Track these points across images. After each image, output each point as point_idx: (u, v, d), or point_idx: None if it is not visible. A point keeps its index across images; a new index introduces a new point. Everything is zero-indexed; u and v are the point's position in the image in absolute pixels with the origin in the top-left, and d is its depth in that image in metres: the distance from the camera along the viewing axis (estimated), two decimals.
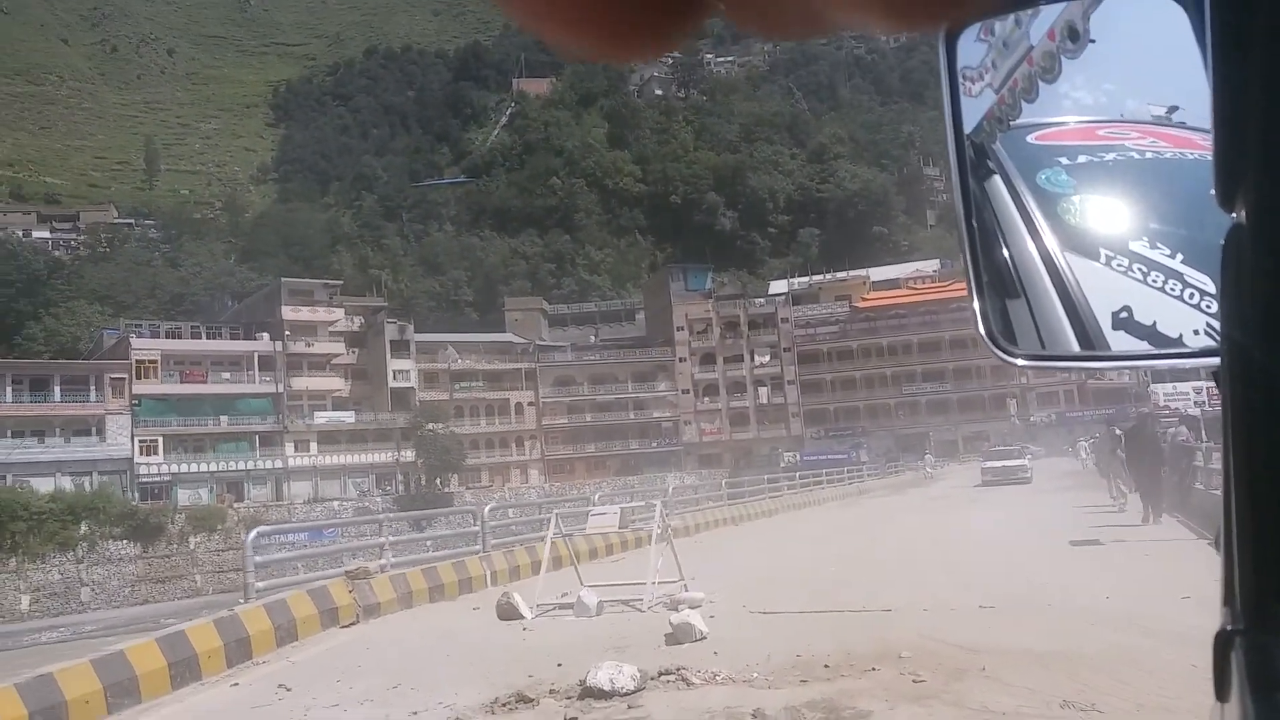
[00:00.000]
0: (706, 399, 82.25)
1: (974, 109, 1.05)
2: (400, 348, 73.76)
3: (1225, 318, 0.57)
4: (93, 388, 60.28)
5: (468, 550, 14.62)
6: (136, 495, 59.95)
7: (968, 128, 1.05)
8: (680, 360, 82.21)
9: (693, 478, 77.86)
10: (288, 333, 68.71)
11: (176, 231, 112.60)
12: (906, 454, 70.69)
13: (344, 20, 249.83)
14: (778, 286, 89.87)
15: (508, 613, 10.24)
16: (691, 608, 9.33)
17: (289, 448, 67.35)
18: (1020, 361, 1.05)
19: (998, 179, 1.07)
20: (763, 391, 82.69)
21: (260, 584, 10.61)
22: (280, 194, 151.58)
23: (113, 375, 60.86)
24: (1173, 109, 0.94)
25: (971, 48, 1.01)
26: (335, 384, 71.30)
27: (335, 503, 66.28)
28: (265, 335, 68.76)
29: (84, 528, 54.73)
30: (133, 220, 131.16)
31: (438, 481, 70.29)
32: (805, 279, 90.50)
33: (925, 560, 13.75)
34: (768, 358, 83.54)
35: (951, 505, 27.68)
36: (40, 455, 57.21)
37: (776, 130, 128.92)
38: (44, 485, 56.18)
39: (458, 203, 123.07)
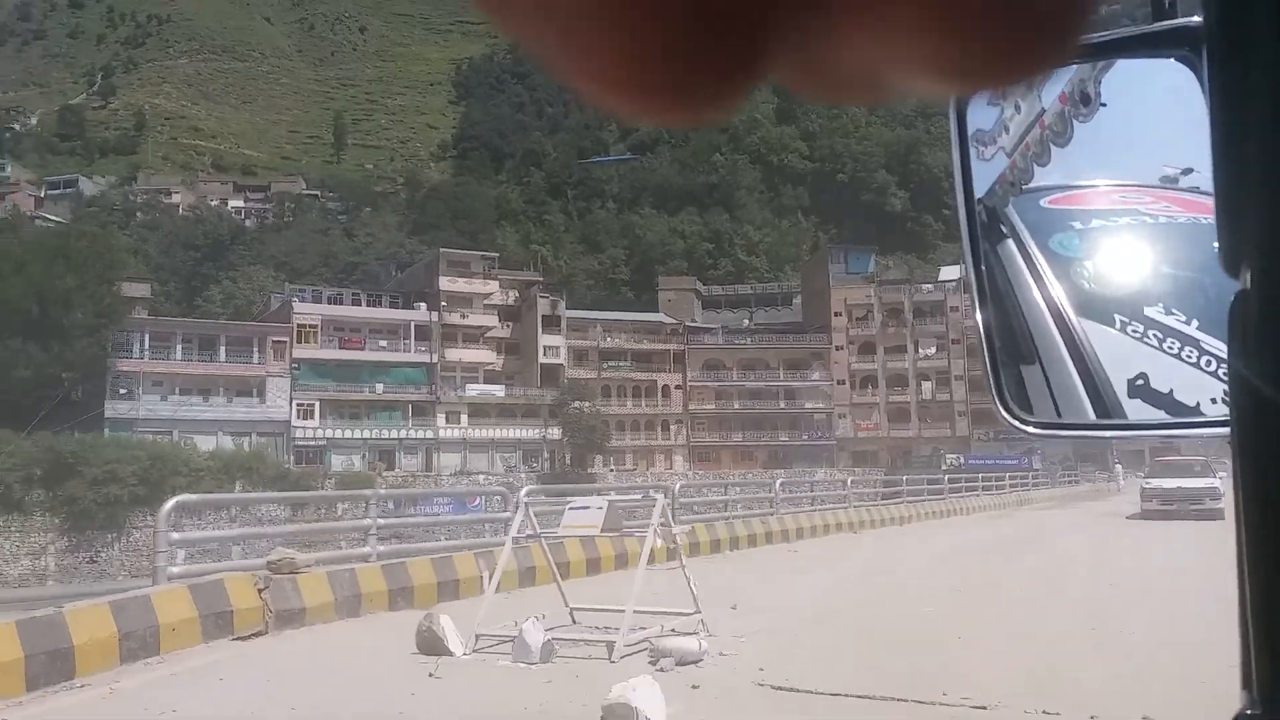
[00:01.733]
0: (864, 391, 78.12)
1: (986, 172, 1.05)
2: (552, 323, 73.43)
3: (1233, 386, 0.56)
4: (256, 350, 62.60)
5: (495, 541, 12.45)
6: (291, 458, 61.96)
7: (980, 191, 1.04)
8: (837, 348, 78.35)
9: (844, 475, 74.24)
10: (444, 303, 69.46)
11: (355, 204, 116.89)
12: (1086, 464, 64.88)
13: None
14: (949, 272, 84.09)
15: (430, 645, 7.63)
16: (679, 664, 6.86)
17: (440, 418, 68.16)
18: (1033, 430, 1.04)
19: (1010, 243, 1.07)
20: (926, 386, 77.79)
21: (175, 569, 8.56)
22: (456, 170, 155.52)
23: (275, 338, 62.99)
24: (1186, 171, 0.93)
25: (983, 110, 1.02)
26: (487, 357, 71.70)
27: (481, 476, 66.65)
28: (423, 305, 69.75)
29: (239, 487, 56.92)
30: (318, 192, 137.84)
31: (580, 461, 69.68)
32: None
33: (1070, 602, 10.69)
34: (934, 349, 78.48)
35: (1124, 526, 23.78)
36: (204, 413, 59.85)
37: None
38: (206, 443, 58.79)
39: (620, 180, 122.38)
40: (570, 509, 8.58)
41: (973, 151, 1.01)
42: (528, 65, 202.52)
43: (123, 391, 57.82)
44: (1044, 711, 5.73)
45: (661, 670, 6.65)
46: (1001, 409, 1.02)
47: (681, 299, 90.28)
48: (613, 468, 72.33)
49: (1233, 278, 0.54)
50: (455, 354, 69.73)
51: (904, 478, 35.67)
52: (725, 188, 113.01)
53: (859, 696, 6.12)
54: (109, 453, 51.16)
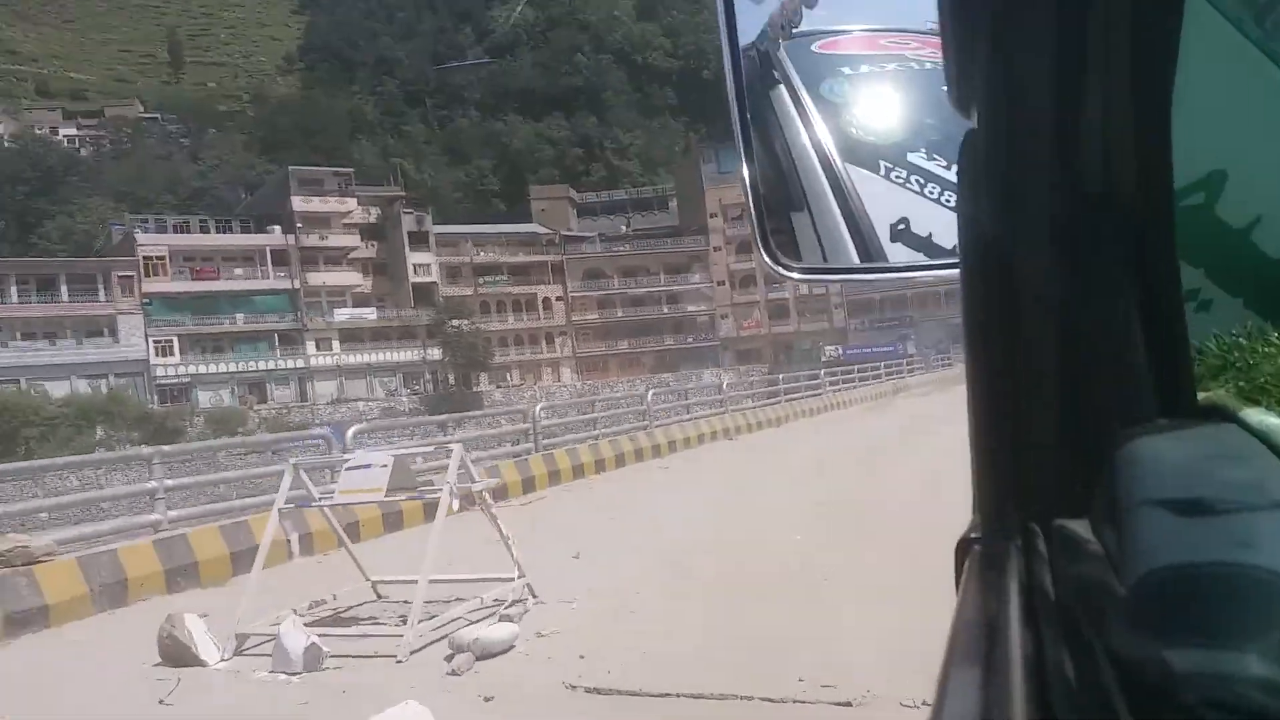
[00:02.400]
0: (745, 290, 78.31)
1: (757, 16, 1.02)
2: (419, 240, 70.53)
3: (962, 223, 0.58)
4: (101, 287, 58.14)
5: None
6: (155, 398, 58.38)
7: (751, 35, 1.01)
8: (715, 249, 78.03)
9: (730, 375, 74.82)
10: (300, 225, 65.68)
11: (198, 125, 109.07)
12: (959, 345, 66.74)
13: None
14: None
15: (176, 654, 5.81)
16: (480, 657, 5.36)
17: (310, 346, 65.20)
18: (796, 275, 1.04)
19: (782, 89, 1.04)
20: None
21: None
22: (305, 84, 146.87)
23: (120, 274, 58.58)
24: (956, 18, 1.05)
25: None
26: (353, 279, 68.51)
27: (360, 403, 64.31)
28: (277, 229, 65.84)
29: (100, 432, 53.29)
30: (157, 115, 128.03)
31: (464, 380, 68.03)
32: None
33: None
34: None
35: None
36: (53, 358, 55.52)
37: None
38: (59, 390, 54.66)
39: (481, 85, 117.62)
40: (347, 469, 6.82)
41: None
42: None
43: None
44: (925, 703, 3.66)
45: (455, 674, 5.24)
46: (765, 255, 1.01)
47: (556, 208, 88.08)
48: (499, 384, 70.98)
49: (965, 117, 0.55)
50: (318, 278, 66.35)
51: (780, 376, 35.47)
52: (591, 90, 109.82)
53: (691, 696, 4.64)
54: None
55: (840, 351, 70.81)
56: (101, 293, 57.96)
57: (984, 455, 0.58)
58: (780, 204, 1.01)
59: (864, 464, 14.05)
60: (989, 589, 0.53)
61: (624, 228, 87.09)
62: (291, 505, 6.97)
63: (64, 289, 56.85)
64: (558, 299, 74.95)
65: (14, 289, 55.41)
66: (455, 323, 66.42)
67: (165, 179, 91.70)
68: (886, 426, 21.58)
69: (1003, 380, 0.57)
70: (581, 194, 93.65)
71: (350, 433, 12.55)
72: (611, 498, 12.88)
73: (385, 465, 6.56)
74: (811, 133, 1.02)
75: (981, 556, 0.58)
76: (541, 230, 78.82)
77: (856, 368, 41.52)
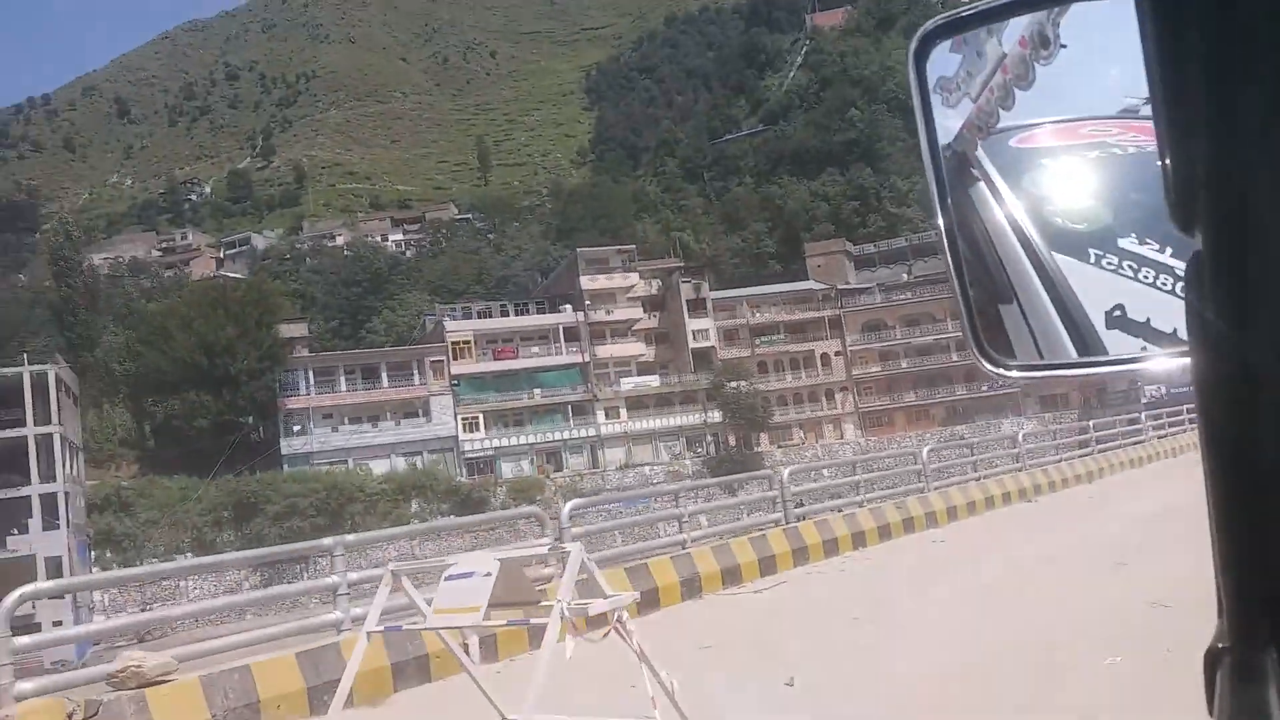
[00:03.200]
0: None
1: (953, 119, 1.05)
2: (697, 306, 72.07)
3: (1194, 342, 0.56)
4: (416, 372, 64.30)
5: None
6: (464, 471, 63.29)
7: (948, 137, 1.05)
8: None
9: (1033, 423, 69.24)
10: (588, 302, 69.34)
11: (501, 220, 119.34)
12: None
13: None
14: None
15: None
16: None
17: (599, 415, 68.11)
18: (1015, 374, 1.03)
19: (981, 185, 1.07)
20: None
21: (29, 685, 6.18)
22: (595, 172, 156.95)
23: (432, 359, 64.55)
24: (1148, 100, 0.87)
25: (945, 59, 1.04)
26: (637, 349, 71.10)
27: (646, 467, 66.10)
28: (568, 307, 69.90)
29: (414, 505, 58.52)
30: (469, 215, 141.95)
31: (744, 441, 68.01)
32: None
33: None
34: None
35: None
36: (375, 439, 61.93)
37: None
38: (380, 466, 60.82)
39: (755, 154, 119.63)
40: (446, 579, 5.28)
41: (937, 99, 1.01)
42: (653, 58, 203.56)
43: (296, 428, 60.54)
44: None
45: None
46: (980, 357, 1.01)
47: (831, 263, 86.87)
48: (780, 444, 70.30)
49: (1188, 236, 0.54)
50: (606, 350, 69.48)
51: (1090, 423, 31.19)
52: (865, 142, 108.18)
53: None
54: (287, 488, 53.60)
55: (1164, 391, 63.29)
56: (416, 377, 64.15)
57: (1228, 553, 0.54)
58: (988, 299, 1.02)
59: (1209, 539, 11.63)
60: (1246, 707, 0.50)
61: (905, 276, 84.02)
62: (380, 630, 5.81)
63: (384, 376, 63.52)
64: (836, 354, 73.37)
65: (343, 378, 62.69)
66: (733, 384, 66.76)
67: (473, 271, 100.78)
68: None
69: (1244, 474, 0.53)
70: (858, 245, 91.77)
71: (566, 510, 10.85)
72: (866, 584, 10.83)
73: (489, 574, 5.00)
74: (1015, 225, 1.01)
75: (1234, 668, 0.54)
76: (817, 286, 77.91)
77: (1186, 408, 36.66)
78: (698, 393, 69.46)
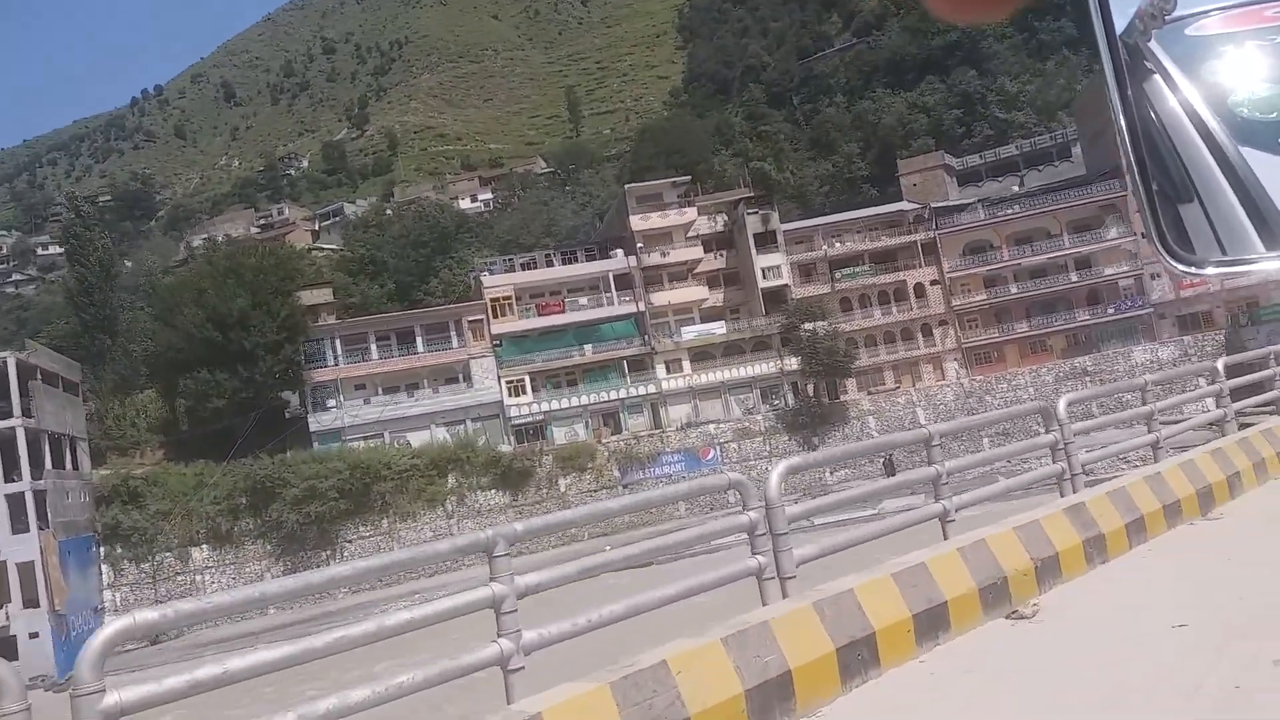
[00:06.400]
0: None
1: (1124, 8, 0.98)
2: (766, 240, 63.57)
3: None
4: (453, 334, 58.59)
5: None
6: (512, 439, 57.57)
7: (1119, 29, 0.98)
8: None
9: (1169, 348, 58.30)
10: (640, 244, 62.00)
11: (575, 169, 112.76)
12: None
13: None
14: None
15: None
16: None
17: (660, 370, 60.99)
18: (1210, 270, 1.00)
19: (1157, 78, 0.99)
20: None
21: None
22: (686, 111, 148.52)
23: (470, 318, 58.80)
24: None
25: None
26: (699, 293, 63.38)
27: (711, 425, 58.80)
28: (619, 252, 62.78)
29: (451, 480, 53.12)
30: (555, 169, 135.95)
31: (827, 390, 59.70)
32: None
33: None
34: None
35: None
36: (413, 409, 56.76)
37: None
38: (420, 439, 55.63)
39: (847, 69, 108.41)
40: None
41: None
42: None
43: (328, 403, 55.84)
44: None
45: None
46: (1164, 251, 0.97)
47: (930, 180, 76.59)
48: (870, 390, 61.66)
49: None
50: (663, 297, 62.10)
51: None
52: (968, 43, 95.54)
53: None
54: (306, 469, 48.98)
55: None
56: (454, 339, 58.46)
57: None
58: (1167, 199, 0.97)
59: None
60: None
61: (1015, 188, 73.04)
62: None
63: (419, 340, 58.04)
64: (933, 282, 63.65)
65: (374, 345, 57.51)
66: (806, 326, 58.37)
67: (543, 224, 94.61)
68: None
69: None
70: (962, 159, 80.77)
71: (774, 479, 6.04)
72: None
73: None
74: (1196, 119, 0.96)
75: None
76: (908, 207, 68.03)
77: None
78: (771, 338, 61.39)
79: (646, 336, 61.16)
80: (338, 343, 57.20)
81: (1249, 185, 0.93)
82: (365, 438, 55.24)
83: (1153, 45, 0.98)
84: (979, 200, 68.34)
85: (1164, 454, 9.20)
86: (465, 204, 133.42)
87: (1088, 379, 56.65)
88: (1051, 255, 62.85)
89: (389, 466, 50.84)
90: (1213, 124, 0.95)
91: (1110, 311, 61.48)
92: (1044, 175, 75.22)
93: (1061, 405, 8.44)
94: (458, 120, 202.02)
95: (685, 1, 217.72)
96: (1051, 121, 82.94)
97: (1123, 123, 0.96)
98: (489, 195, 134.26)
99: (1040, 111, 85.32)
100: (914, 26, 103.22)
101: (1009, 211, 64.66)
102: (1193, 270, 0.98)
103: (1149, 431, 9.54)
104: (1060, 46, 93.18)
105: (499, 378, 58.46)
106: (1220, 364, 11.34)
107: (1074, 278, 62.49)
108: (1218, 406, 11.00)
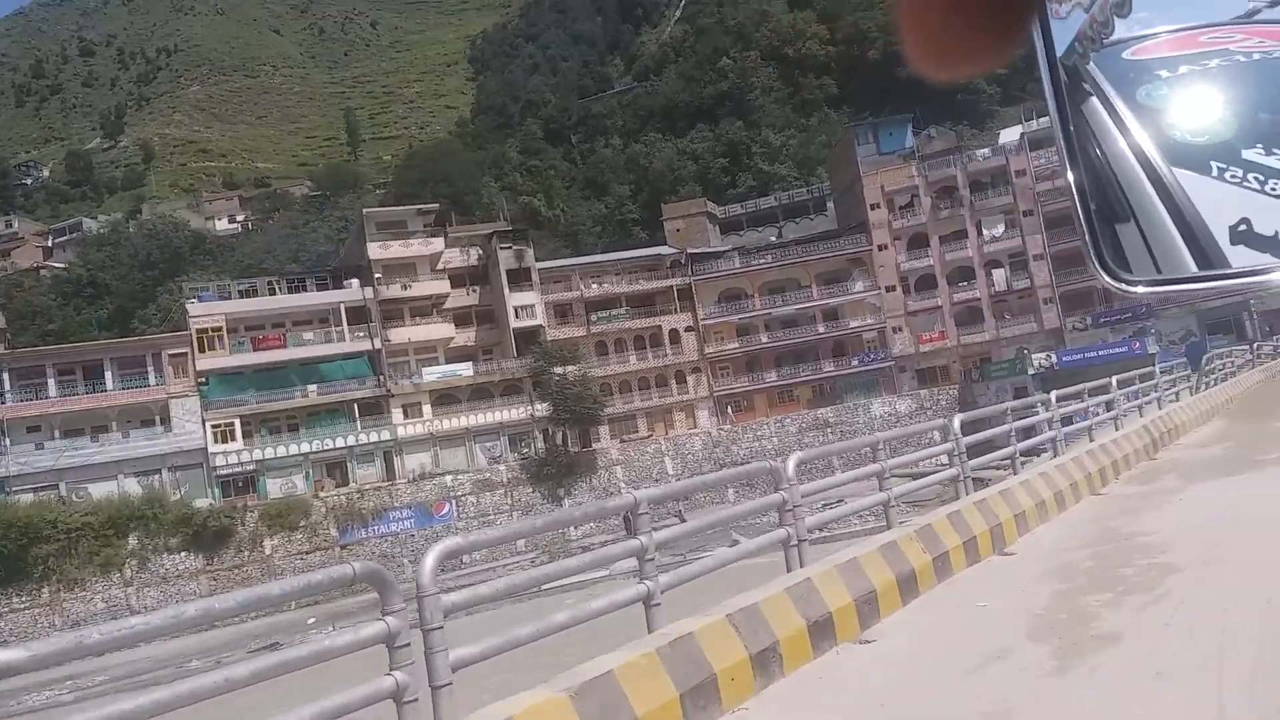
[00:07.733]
0: (922, 295, 62.42)
1: (1064, 32, 0.99)
2: (520, 278, 60.12)
3: None
4: (151, 369, 51.22)
5: None
6: (217, 492, 50.69)
7: (1059, 51, 1.00)
8: (880, 248, 62.71)
9: (907, 401, 59.18)
10: (378, 275, 56.93)
11: (333, 192, 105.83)
12: (1216, 336, 48.93)
13: None
14: (1009, 135, 67.37)
15: None
16: None
17: (396, 414, 55.86)
18: (1140, 289, 1.00)
19: (1094, 100, 1.01)
20: (998, 275, 61.54)
21: None
22: (473, 144, 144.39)
23: (172, 352, 51.61)
24: (1274, 1, 0.91)
25: None
26: (445, 331, 58.92)
27: (449, 477, 54.27)
28: (354, 282, 57.43)
29: (133, 541, 45.78)
30: (324, 191, 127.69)
31: (577, 438, 56.62)
32: (1048, 117, 66.81)
33: None
34: (1001, 229, 62.09)
35: None
36: (97, 456, 48.83)
37: None
38: (105, 489, 47.90)
39: (623, 111, 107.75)
40: None
41: (1048, 10, 0.98)
42: (540, 23, 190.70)
43: None
44: None
45: None
46: (1100, 270, 0.98)
47: (693, 226, 75.93)
48: (623, 437, 59.10)
49: None
50: (403, 334, 57.24)
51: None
52: (736, 94, 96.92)
53: None
54: None
55: (1055, 360, 53.78)
56: (151, 375, 51.11)
57: None
58: (1105, 219, 0.99)
59: None
60: None
61: (774, 238, 73.39)
62: None
63: (109, 376, 50.33)
64: (687, 329, 62.19)
65: (52, 381, 49.33)
66: (559, 370, 55.16)
67: (291, 250, 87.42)
68: None
69: None
70: (724, 207, 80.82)
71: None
72: None
73: None
74: (1131, 141, 0.98)
75: None
76: (666, 251, 66.62)
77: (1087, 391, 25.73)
78: (522, 381, 57.74)
79: (382, 377, 55.99)
80: (5, 376, 48.60)
81: (1182, 206, 0.96)
82: (37, 489, 46.99)
83: (1091, 68, 1.00)
84: (735, 248, 67.96)
85: (896, 512, 9.22)
86: (222, 224, 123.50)
87: (829, 430, 56.52)
88: (801, 306, 62.88)
89: (54, 525, 43.12)
90: (1148, 146, 0.97)
91: (855, 363, 62.01)
92: (801, 227, 76.21)
93: (791, 464, 7.80)
94: (225, 136, 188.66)
95: (479, 33, 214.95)
96: (811, 176, 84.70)
97: (1062, 143, 0.98)
98: (245, 215, 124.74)
99: (801, 165, 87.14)
100: (689, 74, 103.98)
101: (762, 261, 64.39)
102: (1128, 289, 0.98)
103: (880, 489, 9.38)
104: (821, 104, 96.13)
105: (203, 421, 51.54)
106: (956, 421, 10.90)
107: (821, 329, 62.75)
108: (950, 465, 10.99)
